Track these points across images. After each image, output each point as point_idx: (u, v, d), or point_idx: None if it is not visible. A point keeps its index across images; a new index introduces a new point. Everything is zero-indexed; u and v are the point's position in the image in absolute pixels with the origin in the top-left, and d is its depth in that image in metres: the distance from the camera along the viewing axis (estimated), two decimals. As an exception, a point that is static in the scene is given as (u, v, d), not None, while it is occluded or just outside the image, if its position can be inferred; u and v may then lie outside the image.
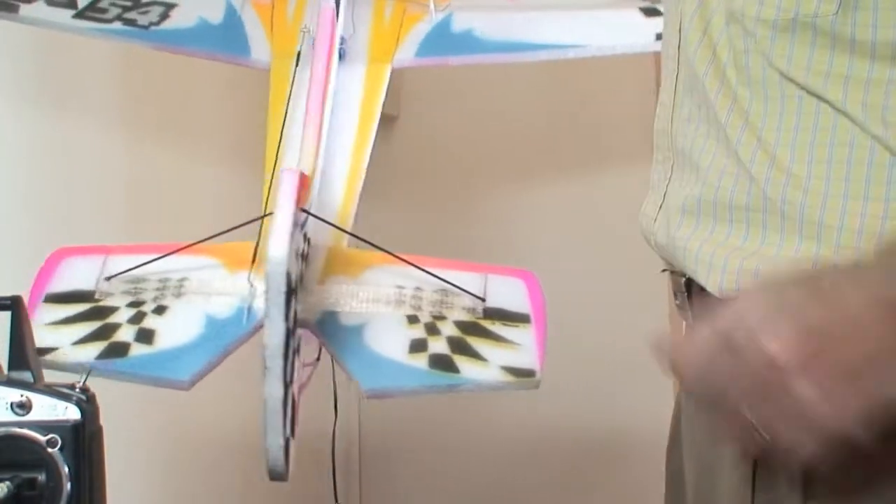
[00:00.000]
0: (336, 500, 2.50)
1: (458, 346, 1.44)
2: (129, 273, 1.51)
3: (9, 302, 1.03)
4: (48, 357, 1.42)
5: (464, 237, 2.40)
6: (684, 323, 1.19)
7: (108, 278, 1.50)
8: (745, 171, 1.03)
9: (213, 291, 1.49)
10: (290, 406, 1.31)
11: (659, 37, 1.74)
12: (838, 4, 0.97)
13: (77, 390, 1.00)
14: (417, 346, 1.44)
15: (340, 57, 1.69)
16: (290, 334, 1.29)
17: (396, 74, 2.50)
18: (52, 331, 1.45)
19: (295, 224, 1.30)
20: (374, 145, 1.67)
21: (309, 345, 1.48)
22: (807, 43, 0.99)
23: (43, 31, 1.85)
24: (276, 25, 1.75)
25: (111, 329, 1.46)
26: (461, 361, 1.43)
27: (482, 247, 2.33)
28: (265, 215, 1.49)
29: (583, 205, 2.35)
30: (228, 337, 1.45)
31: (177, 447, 2.17)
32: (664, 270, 1.19)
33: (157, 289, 1.49)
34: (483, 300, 1.48)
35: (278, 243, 1.22)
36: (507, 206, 2.42)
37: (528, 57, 1.76)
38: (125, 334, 1.45)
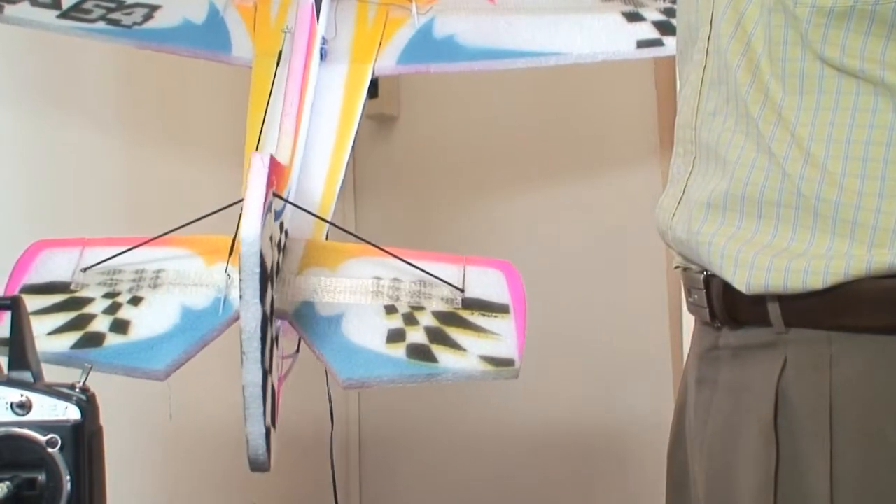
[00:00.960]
0: (336, 501, 2.47)
1: (437, 336, 1.43)
2: (106, 264, 1.50)
3: (9, 302, 1.03)
4: (22, 346, 1.40)
5: (463, 236, 2.40)
6: (695, 319, 1.17)
7: (85, 269, 1.49)
8: (777, 167, 1.02)
9: (189, 282, 1.48)
10: (270, 395, 1.29)
11: (640, 44, 1.75)
12: None
13: (77, 390, 1.00)
14: (395, 336, 1.42)
15: (322, 57, 1.70)
16: (266, 319, 1.28)
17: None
18: None
19: (268, 207, 1.29)
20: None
21: (287, 337, 1.47)
22: (861, 32, 0.99)
23: (41, 37, 1.86)
24: (258, 25, 1.76)
25: (86, 319, 1.44)
26: (439, 351, 1.41)
27: (481, 246, 2.33)
28: (238, 201, 1.49)
29: (582, 205, 2.35)
30: (204, 327, 1.43)
31: (176, 446, 2.15)
32: (677, 267, 1.17)
33: (133, 280, 1.48)
34: (462, 291, 1.47)
35: (250, 223, 1.21)
36: (507, 205, 2.42)
37: (508, 64, 1.75)
38: (100, 325, 1.44)
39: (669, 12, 1.76)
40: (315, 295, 1.46)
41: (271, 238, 1.35)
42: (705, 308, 1.10)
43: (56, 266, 1.50)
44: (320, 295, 1.46)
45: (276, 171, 1.37)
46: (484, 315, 1.45)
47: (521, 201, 2.42)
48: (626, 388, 2.26)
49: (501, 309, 1.46)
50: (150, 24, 1.75)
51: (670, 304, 2.17)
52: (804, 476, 1.00)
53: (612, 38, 1.75)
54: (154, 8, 1.77)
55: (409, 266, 1.48)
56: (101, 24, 1.75)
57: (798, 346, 1.02)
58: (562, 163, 2.39)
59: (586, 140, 2.36)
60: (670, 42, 1.72)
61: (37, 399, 0.97)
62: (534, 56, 1.75)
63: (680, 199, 1.13)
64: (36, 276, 1.49)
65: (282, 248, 1.45)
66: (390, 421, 2.60)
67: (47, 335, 1.43)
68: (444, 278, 1.47)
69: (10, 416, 0.96)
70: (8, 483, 0.94)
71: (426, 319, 1.45)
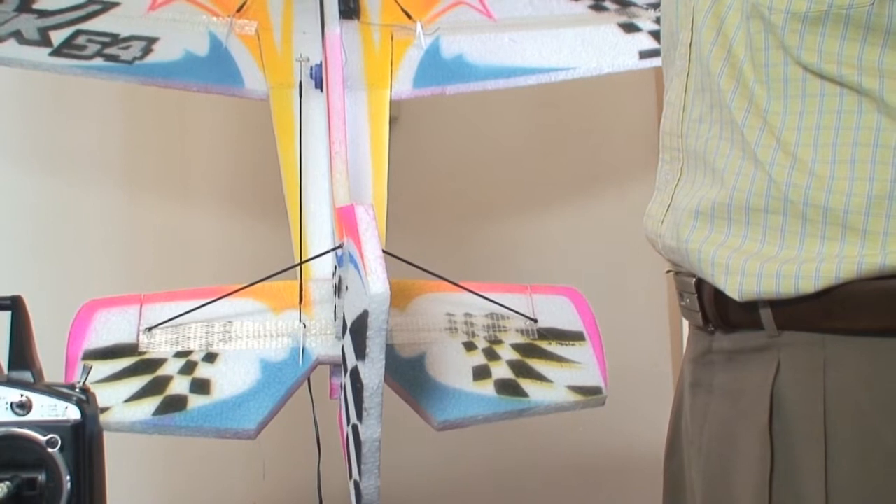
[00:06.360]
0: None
1: (521, 370, 1.45)
2: (169, 321, 1.45)
3: (9, 302, 1.02)
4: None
5: (464, 238, 2.37)
6: (687, 323, 1.16)
7: (150, 328, 1.44)
8: (764, 173, 1.02)
9: (263, 334, 1.45)
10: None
11: (642, 55, 1.79)
12: None
13: (77, 390, 0.99)
14: (481, 373, 1.44)
15: (342, 87, 1.67)
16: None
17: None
18: (98, 389, 1.37)
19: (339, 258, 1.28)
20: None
21: None
22: (837, 36, 0.99)
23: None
24: (265, 55, 1.71)
25: (163, 382, 1.40)
26: (527, 385, 1.44)
27: (482, 248, 2.31)
28: (314, 257, 1.47)
29: (581, 210, 2.36)
30: (288, 380, 1.41)
31: (176, 447, 2.10)
32: (669, 272, 1.17)
33: (203, 336, 1.44)
34: (535, 321, 1.50)
35: (380, 280, 1.19)
36: (508, 206, 2.40)
37: (520, 82, 1.75)
38: (179, 386, 1.39)
39: (662, 22, 1.81)
40: (392, 337, 1.45)
41: (339, 284, 1.34)
42: (698, 312, 1.09)
43: (116, 327, 1.44)
44: (396, 336, 1.46)
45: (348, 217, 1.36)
46: (561, 344, 1.48)
47: (521, 202, 2.42)
48: (625, 397, 2.29)
49: (577, 336, 1.49)
50: (151, 59, 1.67)
51: (671, 313, 2.22)
52: (799, 479, 0.99)
53: (615, 51, 1.79)
54: (152, 41, 1.69)
55: (477, 299, 1.50)
56: (98, 61, 1.66)
57: (791, 350, 1.01)
58: (564, 162, 2.40)
59: (586, 145, 2.38)
60: (670, 52, 1.76)
61: (37, 399, 0.97)
62: (543, 72, 1.76)
63: (668, 207, 1.12)
64: (97, 339, 1.43)
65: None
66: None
67: (125, 402, 1.38)
68: (515, 309, 1.49)
69: (10, 416, 0.96)
70: (8, 483, 0.94)
71: (506, 353, 1.47)
